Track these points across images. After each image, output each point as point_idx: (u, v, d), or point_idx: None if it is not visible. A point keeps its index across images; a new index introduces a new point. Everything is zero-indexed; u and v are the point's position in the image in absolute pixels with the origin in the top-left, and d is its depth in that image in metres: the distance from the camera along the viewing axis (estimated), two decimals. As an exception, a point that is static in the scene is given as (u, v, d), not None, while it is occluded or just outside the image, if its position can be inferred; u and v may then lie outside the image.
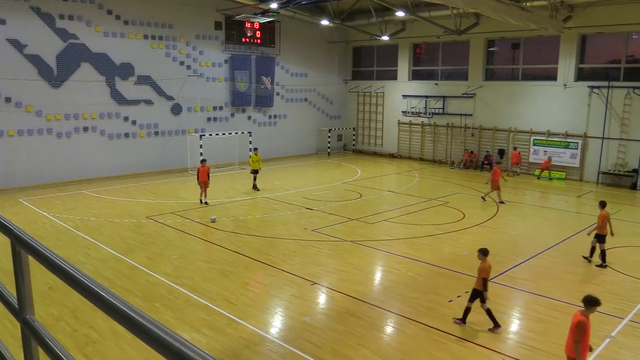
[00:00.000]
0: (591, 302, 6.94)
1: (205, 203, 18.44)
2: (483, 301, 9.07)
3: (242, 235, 14.81)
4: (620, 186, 22.93)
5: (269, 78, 29.35)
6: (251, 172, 21.26)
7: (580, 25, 23.51)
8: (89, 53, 22.42)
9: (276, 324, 9.43)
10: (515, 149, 26.17)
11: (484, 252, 9.24)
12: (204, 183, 18.22)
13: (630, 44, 23.28)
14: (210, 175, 18.46)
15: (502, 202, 19.16)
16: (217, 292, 10.55)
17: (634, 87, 22.45)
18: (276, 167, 27.54)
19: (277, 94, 30.26)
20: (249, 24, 28.04)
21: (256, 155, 21.11)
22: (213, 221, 16.14)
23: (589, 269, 12.31)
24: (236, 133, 26.76)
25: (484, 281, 9.03)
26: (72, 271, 1.82)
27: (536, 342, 8.59)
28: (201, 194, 18.56)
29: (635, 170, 22.66)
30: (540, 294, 10.71)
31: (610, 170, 23.49)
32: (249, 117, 29.13)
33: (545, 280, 11.52)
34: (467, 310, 9.20)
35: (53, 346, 2.04)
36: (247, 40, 28.28)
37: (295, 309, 9.94)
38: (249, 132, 27.06)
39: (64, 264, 1.87)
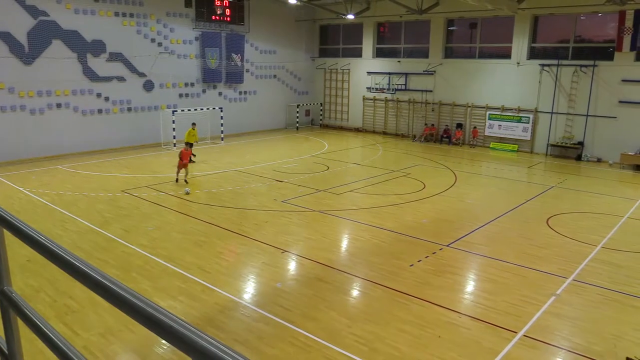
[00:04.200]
0: None
1: (185, 181, 17.41)
2: None
3: (215, 207, 14.72)
4: (566, 157, 23.60)
5: (239, 55, 28.80)
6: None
7: (533, 6, 23.72)
8: (60, 30, 21.52)
9: (249, 290, 9.49)
10: (474, 127, 26.54)
11: None
12: (184, 165, 17.17)
13: (578, 25, 23.65)
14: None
15: None
16: (192, 261, 10.52)
17: (581, 66, 22.91)
18: (247, 141, 27.30)
19: (247, 70, 29.77)
20: (219, 2, 27.32)
21: (194, 129, 20.98)
22: (187, 194, 15.99)
23: (538, 234, 12.72)
24: (207, 109, 26.31)
25: None
26: (48, 244, 1.79)
27: (489, 301, 8.89)
28: (186, 174, 17.45)
29: (580, 143, 23.33)
30: (493, 257, 11.05)
31: (558, 142, 24.09)
32: (220, 93, 28.63)
33: (498, 245, 11.88)
34: None
35: (31, 316, 2.02)
36: (217, 18, 27.59)
37: (267, 275, 10.01)
38: (220, 108, 26.64)
39: (40, 237, 1.83)
